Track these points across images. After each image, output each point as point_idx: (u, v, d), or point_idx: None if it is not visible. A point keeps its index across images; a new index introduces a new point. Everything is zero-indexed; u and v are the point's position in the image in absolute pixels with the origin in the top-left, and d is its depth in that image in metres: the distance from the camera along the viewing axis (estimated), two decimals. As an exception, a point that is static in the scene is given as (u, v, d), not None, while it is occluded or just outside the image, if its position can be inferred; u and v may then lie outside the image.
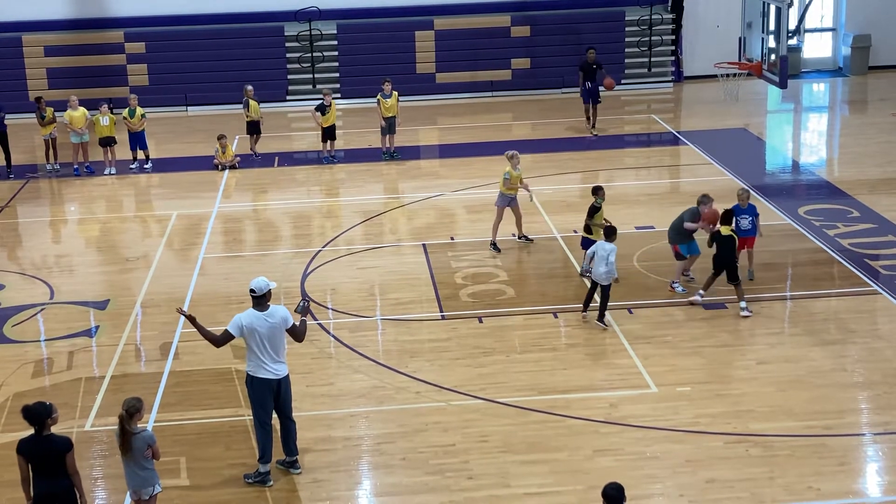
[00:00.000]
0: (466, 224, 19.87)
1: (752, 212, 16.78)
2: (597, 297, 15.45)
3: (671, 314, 15.72)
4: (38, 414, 9.79)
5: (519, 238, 18.74)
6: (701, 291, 16.04)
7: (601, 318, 15.31)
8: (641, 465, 11.80)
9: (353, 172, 23.65)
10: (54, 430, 9.94)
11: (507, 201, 18.45)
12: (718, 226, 15.86)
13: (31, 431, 9.88)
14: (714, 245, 15.81)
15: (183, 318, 13.18)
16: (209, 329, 11.62)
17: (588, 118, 26.14)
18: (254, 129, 24.61)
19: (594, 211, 16.76)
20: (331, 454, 12.28)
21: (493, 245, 18.46)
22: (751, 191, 17.65)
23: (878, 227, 18.96)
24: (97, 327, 15.97)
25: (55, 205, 22.50)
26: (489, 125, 26.92)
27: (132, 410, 10.07)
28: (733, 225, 15.89)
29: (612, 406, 13.10)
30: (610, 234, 15.44)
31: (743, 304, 15.64)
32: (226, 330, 11.44)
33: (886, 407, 12.97)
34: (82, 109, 23.98)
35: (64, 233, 20.93)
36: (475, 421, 12.87)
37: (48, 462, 9.74)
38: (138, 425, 10.20)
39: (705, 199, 16.41)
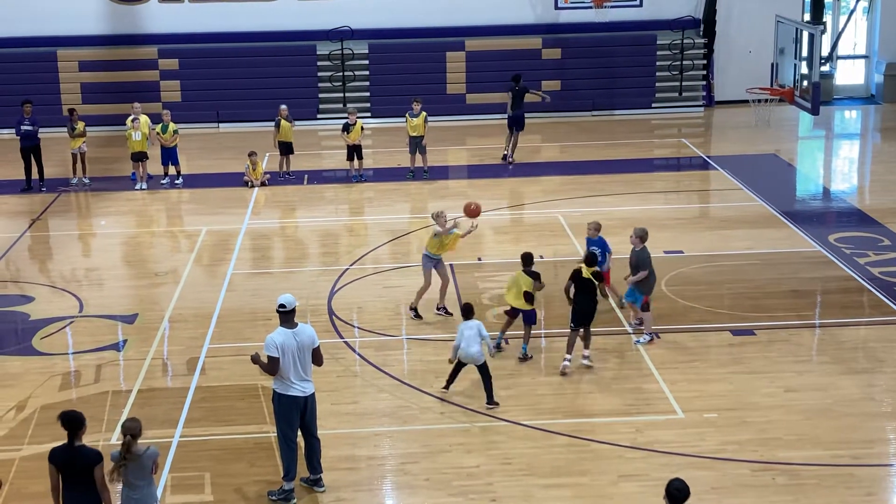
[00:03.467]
0: (494, 245, 19.86)
1: (603, 245, 15.88)
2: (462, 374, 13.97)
3: (699, 339, 15.63)
4: (77, 420, 9.82)
5: (438, 310, 16.63)
6: (568, 356, 14.64)
7: (490, 400, 13.63)
8: (666, 491, 11.70)
9: (380, 191, 23.72)
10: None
11: (434, 263, 16.41)
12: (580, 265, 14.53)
13: (60, 443, 9.91)
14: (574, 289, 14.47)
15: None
16: (258, 357, 11.56)
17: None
18: (286, 149, 24.71)
19: (537, 276, 15.01)
20: (355, 473, 12.27)
21: (415, 311, 16.54)
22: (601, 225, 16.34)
23: (909, 256, 18.83)
24: (125, 341, 16.06)
25: (85, 218, 22.68)
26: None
27: (136, 432, 9.86)
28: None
29: (637, 431, 13.03)
30: (468, 312, 13.96)
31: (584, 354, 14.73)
32: (269, 356, 11.37)
33: (916, 438, 12.85)
34: (144, 118, 24.28)
35: (94, 246, 21.09)
36: (499, 443, 12.83)
37: (78, 473, 9.76)
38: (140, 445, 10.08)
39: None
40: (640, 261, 15.21)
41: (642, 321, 15.61)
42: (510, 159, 25.22)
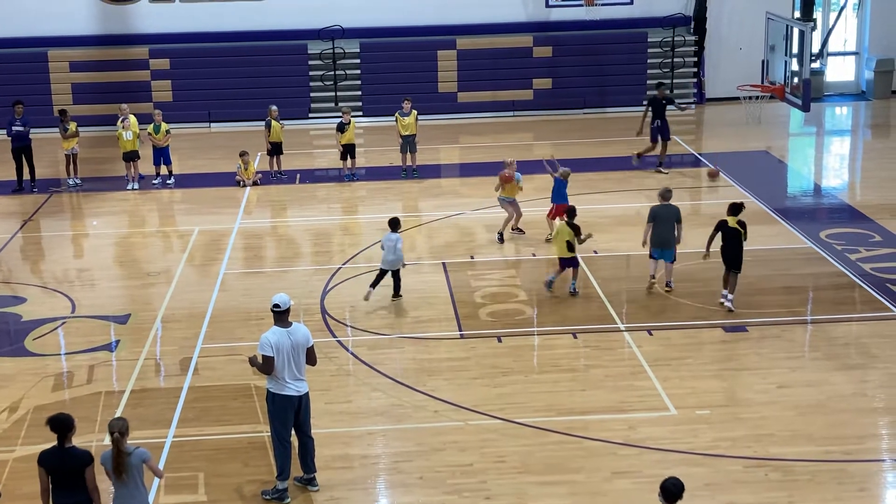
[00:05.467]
0: (486, 243, 19.87)
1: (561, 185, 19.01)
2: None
3: (691, 336, 15.67)
4: (65, 423, 9.81)
5: (514, 230, 19.99)
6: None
7: (396, 294, 17.11)
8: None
9: (373, 190, 23.72)
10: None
11: (510, 202, 19.75)
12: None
13: (51, 444, 9.90)
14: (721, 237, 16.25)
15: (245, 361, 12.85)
16: (253, 358, 11.58)
17: (648, 153, 24.56)
18: (276, 150, 24.70)
19: (578, 230, 17.03)
20: (348, 472, 12.27)
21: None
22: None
23: (900, 252, 18.88)
24: (117, 342, 16.04)
25: (77, 219, 22.65)
26: (510, 144, 26.94)
27: (124, 429, 9.82)
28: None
29: (630, 428, 13.05)
30: (395, 225, 17.08)
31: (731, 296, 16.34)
32: (264, 356, 11.37)
33: (908, 433, 12.89)
34: (133, 118, 24.29)
35: (86, 247, 21.06)
36: (493, 441, 12.85)
37: (68, 474, 9.75)
38: (129, 444, 10.07)
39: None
40: (654, 215, 17.05)
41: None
42: (664, 170, 24.27)
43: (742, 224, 16.15)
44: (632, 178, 24.03)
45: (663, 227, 16.97)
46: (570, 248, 16.88)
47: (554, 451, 12.57)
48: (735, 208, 16.23)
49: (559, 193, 19.38)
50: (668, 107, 24.50)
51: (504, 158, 20.06)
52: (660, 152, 24.34)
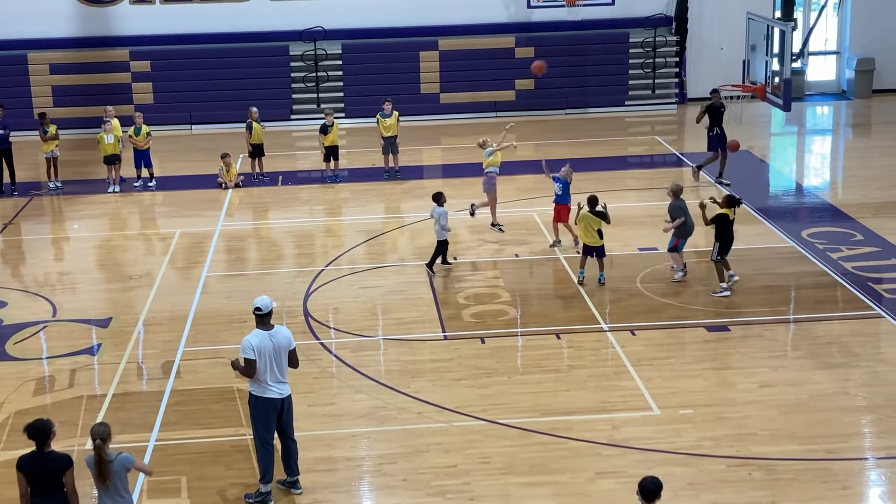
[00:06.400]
0: (469, 244, 19.86)
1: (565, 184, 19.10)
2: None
3: (675, 336, 15.70)
4: (42, 430, 9.76)
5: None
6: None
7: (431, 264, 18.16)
8: (644, 487, 11.73)
9: (356, 192, 23.68)
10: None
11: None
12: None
13: (30, 449, 9.84)
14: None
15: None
16: (236, 361, 11.52)
17: (708, 164, 23.44)
18: (258, 151, 24.62)
19: (604, 216, 17.39)
20: (332, 474, 12.24)
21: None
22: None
23: (881, 251, 18.94)
24: (99, 345, 15.96)
25: (58, 222, 22.53)
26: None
27: (105, 436, 9.79)
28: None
29: (614, 428, 13.06)
30: (437, 199, 18.26)
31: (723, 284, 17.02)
32: (245, 359, 11.32)
33: (890, 431, 12.93)
34: (115, 121, 24.19)
35: (67, 250, 20.95)
36: (477, 442, 12.84)
37: (48, 479, 9.70)
38: (111, 451, 10.02)
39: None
40: (672, 210, 17.63)
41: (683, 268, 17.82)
42: (725, 180, 23.14)
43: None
44: (614, 178, 24.07)
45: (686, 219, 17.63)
46: (601, 234, 17.29)
47: (538, 452, 12.57)
48: (731, 200, 17.07)
49: (565, 194, 19.14)
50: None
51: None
52: (720, 162, 23.23)
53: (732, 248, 17.15)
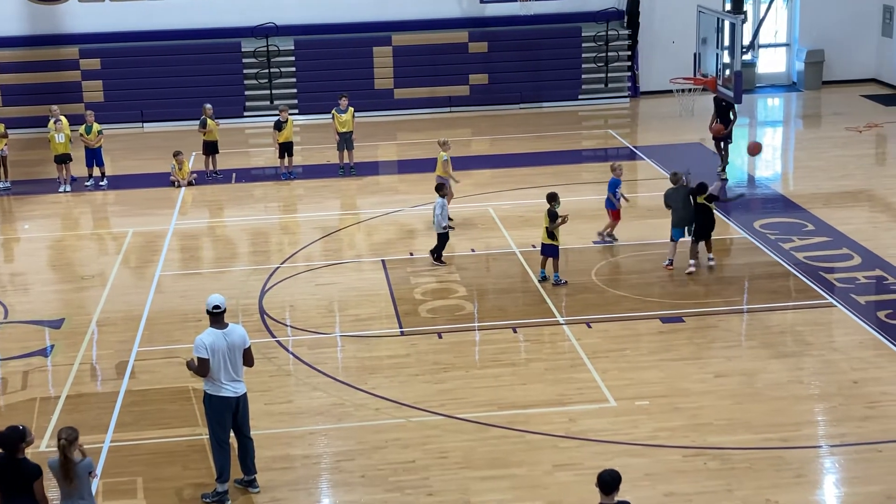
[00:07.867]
0: (426, 240, 19.83)
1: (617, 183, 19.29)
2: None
3: (630, 327, 15.79)
4: (9, 439, 9.69)
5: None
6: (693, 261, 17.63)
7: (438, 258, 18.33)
8: (601, 479, 11.80)
9: (311, 188, 23.59)
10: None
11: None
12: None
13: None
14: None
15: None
16: (191, 361, 11.45)
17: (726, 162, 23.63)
18: (211, 148, 24.45)
19: (554, 216, 17.12)
20: (290, 472, 12.20)
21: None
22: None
23: (832, 241, 19.17)
24: (52, 346, 15.79)
25: (8, 222, 22.24)
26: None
27: (72, 438, 9.81)
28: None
29: (571, 420, 13.12)
30: (437, 189, 18.60)
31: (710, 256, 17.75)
32: (199, 359, 11.26)
33: (842, 419, 13.09)
34: (65, 119, 23.94)
35: (18, 251, 20.69)
36: (435, 437, 12.85)
37: (16, 486, 9.62)
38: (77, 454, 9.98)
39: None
40: (665, 198, 18.09)
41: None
42: (724, 175, 23.24)
43: (710, 199, 17.64)
44: (568, 171, 24.14)
45: (680, 208, 17.79)
46: (550, 235, 17.18)
47: (496, 446, 12.60)
48: (702, 187, 17.64)
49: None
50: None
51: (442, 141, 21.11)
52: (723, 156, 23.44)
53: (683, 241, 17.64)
